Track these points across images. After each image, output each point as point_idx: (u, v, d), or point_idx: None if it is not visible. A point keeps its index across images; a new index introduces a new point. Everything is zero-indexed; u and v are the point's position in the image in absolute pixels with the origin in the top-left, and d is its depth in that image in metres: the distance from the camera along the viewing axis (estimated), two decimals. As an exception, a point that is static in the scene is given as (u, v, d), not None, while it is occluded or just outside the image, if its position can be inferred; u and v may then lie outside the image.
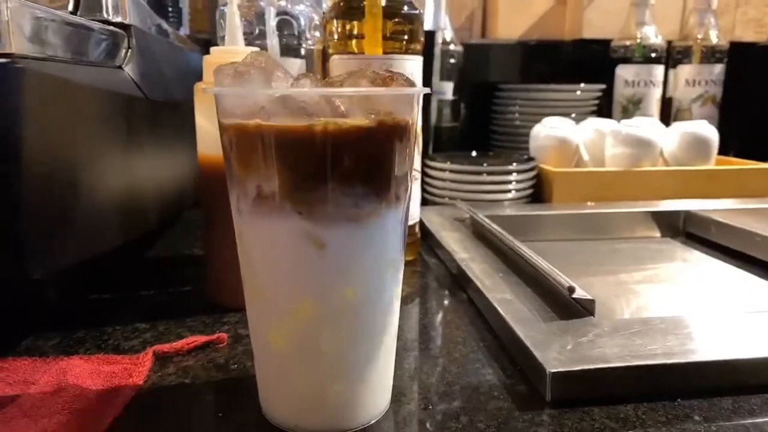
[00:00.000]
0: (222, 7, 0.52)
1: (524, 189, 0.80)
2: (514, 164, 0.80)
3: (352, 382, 0.30)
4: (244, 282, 0.31)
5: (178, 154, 0.57)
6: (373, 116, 0.27)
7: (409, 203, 0.31)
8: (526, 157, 0.84)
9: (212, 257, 0.47)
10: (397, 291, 0.31)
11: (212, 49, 0.45)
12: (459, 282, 0.53)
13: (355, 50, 0.54)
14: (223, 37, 0.52)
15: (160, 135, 0.52)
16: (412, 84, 0.29)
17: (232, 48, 0.45)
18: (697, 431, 0.31)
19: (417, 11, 0.54)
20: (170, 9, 0.74)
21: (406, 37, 0.53)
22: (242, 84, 0.28)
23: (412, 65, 0.54)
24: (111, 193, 0.42)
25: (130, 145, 0.45)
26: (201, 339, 0.40)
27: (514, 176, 0.79)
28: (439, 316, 0.46)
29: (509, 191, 0.79)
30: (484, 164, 0.80)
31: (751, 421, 0.32)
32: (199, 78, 0.65)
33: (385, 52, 0.52)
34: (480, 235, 0.64)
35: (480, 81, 1.11)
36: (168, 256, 0.62)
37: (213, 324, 0.44)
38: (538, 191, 0.81)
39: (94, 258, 0.39)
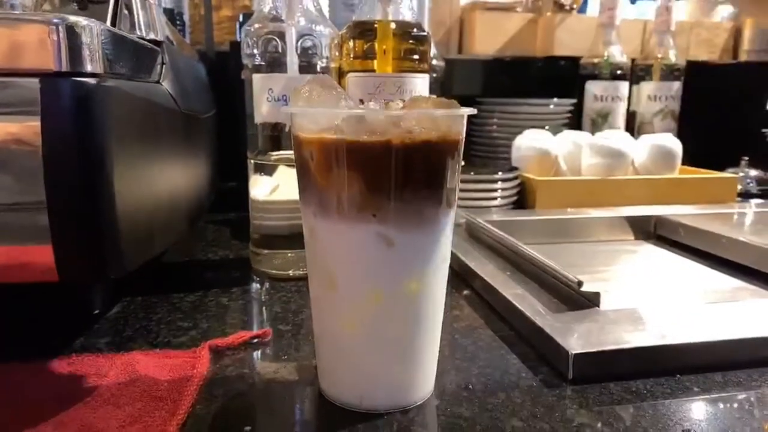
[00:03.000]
0: (248, 27, 0.56)
1: (509, 196, 0.86)
2: (500, 173, 0.85)
3: (409, 363, 0.35)
4: (312, 277, 0.35)
5: (202, 163, 0.60)
6: (435, 133, 0.32)
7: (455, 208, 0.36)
8: (509, 166, 0.90)
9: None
10: (445, 283, 0.36)
11: None
12: (464, 279, 0.59)
13: (369, 69, 0.58)
14: (249, 55, 0.56)
15: (190, 145, 0.55)
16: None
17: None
18: (698, 400, 0.37)
19: (425, 33, 0.59)
20: (178, 20, 0.77)
21: (416, 57, 0.58)
22: (316, 104, 0.33)
23: (421, 83, 0.59)
24: (162, 199, 0.45)
25: (173, 155, 0.48)
26: (249, 334, 0.44)
27: (499, 184, 0.85)
28: (456, 311, 0.51)
29: (495, 198, 0.84)
30: (472, 173, 0.85)
31: (741, 392, 0.37)
32: (208, 89, 0.68)
33: (399, 71, 0.57)
34: (476, 237, 0.69)
35: (459, 94, 1.16)
36: (184, 261, 0.65)
37: (251, 321, 0.48)
38: (522, 198, 0.88)
39: (148, 260, 0.42)
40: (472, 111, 0.34)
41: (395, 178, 0.31)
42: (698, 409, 0.36)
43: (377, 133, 0.31)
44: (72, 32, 0.32)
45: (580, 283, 0.46)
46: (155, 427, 0.32)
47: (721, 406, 0.36)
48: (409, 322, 0.34)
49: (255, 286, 0.58)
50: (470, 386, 0.38)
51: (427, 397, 0.36)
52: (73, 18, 0.33)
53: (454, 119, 0.33)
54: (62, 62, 0.32)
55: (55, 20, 0.32)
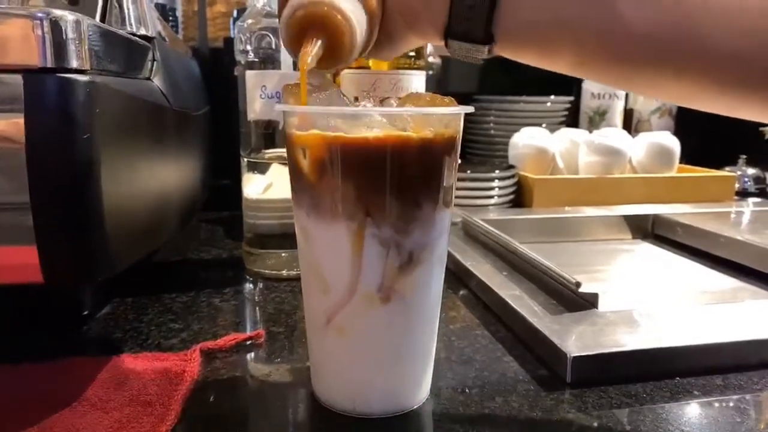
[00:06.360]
0: (241, 23, 0.55)
1: (506, 195, 0.85)
2: (497, 171, 0.85)
3: (405, 367, 0.34)
4: (305, 279, 0.34)
5: (194, 161, 0.59)
6: (431, 131, 0.31)
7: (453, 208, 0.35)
8: (506, 164, 0.90)
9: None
10: (441, 286, 0.35)
11: None
12: (460, 279, 0.58)
13: (364, 66, 0.57)
14: (242, 51, 0.55)
15: (182, 143, 0.54)
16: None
17: None
18: (699, 404, 0.36)
19: (422, 30, 0.58)
20: (170, 16, 0.76)
21: (413, 53, 0.57)
22: (310, 102, 0.32)
23: (417, 80, 0.58)
24: (152, 198, 0.44)
25: (164, 153, 0.47)
26: (242, 336, 0.43)
27: (497, 183, 0.84)
28: (452, 312, 0.50)
29: (492, 197, 0.84)
30: (468, 171, 0.84)
31: (741, 396, 0.37)
32: (201, 86, 0.67)
33: (394, 68, 0.56)
34: (473, 236, 0.68)
35: (455, 92, 1.15)
36: (176, 260, 0.64)
37: (243, 323, 0.47)
38: (519, 197, 0.87)
39: (139, 260, 0.42)
40: (470, 109, 0.33)
41: (390, 177, 0.30)
42: (698, 413, 0.35)
43: (372, 131, 0.30)
44: (57, 27, 0.31)
45: (578, 284, 0.45)
46: (143, 434, 0.31)
47: (722, 410, 0.35)
48: (404, 325, 0.33)
49: (248, 286, 0.57)
50: (467, 390, 0.37)
51: (423, 401, 0.36)
52: (58, 12, 0.32)
53: (451, 117, 0.32)
54: (47, 58, 0.31)
55: (39, 14, 0.31)
